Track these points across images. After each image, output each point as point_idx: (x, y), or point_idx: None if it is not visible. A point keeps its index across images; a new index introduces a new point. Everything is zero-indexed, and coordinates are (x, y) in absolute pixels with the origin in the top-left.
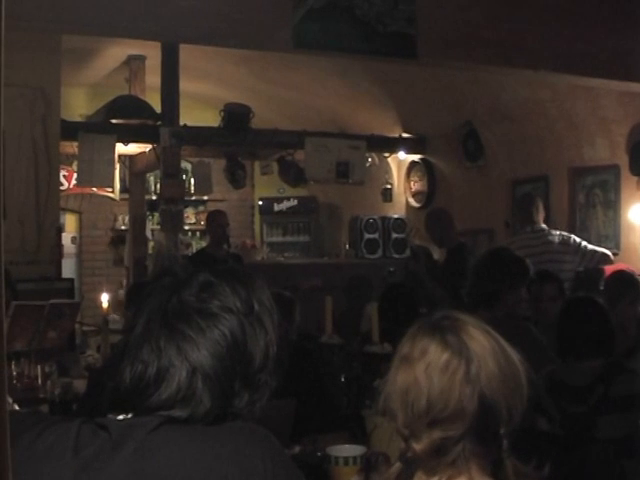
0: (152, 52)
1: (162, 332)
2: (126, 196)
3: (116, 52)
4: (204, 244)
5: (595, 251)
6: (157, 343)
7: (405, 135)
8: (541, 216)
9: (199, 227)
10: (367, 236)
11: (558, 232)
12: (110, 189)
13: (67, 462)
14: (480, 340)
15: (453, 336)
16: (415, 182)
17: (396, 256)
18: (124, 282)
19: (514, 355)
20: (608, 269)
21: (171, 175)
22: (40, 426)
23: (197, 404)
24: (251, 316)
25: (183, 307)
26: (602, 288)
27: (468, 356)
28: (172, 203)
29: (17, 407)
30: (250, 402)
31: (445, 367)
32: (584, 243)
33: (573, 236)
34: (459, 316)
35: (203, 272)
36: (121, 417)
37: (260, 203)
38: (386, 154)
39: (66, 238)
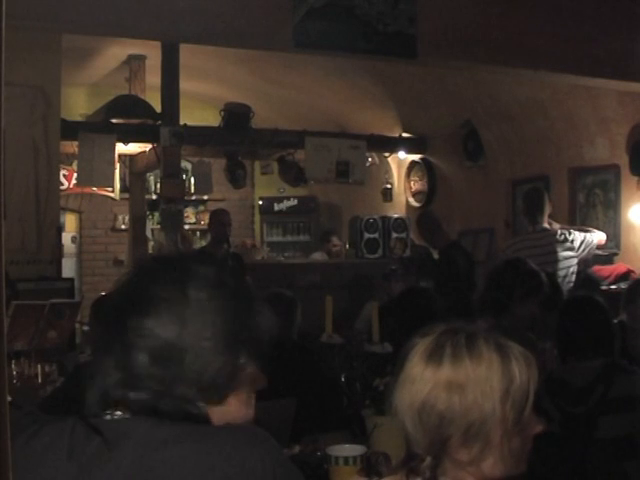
0: (152, 52)
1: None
2: (126, 196)
3: (116, 52)
4: (204, 243)
5: (593, 239)
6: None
7: (405, 135)
8: (544, 216)
9: (199, 227)
10: (367, 236)
11: (559, 231)
12: (110, 189)
13: (63, 464)
14: (491, 359)
15: (465, 355)
16: (415, 182)
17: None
18: None
19: (523, 370)
20: (608, 269)
21: (171, 175)
22: (35, 426)
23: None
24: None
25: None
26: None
27: (478, 377)
28: (172, 203)
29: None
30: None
31: (457, 387)
32: (583, 235)
33: (574, 233)
34: (472, 330)
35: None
36: (118, 414)
37: (260, 203)
38: (386, 154)
39: (66, 238)
